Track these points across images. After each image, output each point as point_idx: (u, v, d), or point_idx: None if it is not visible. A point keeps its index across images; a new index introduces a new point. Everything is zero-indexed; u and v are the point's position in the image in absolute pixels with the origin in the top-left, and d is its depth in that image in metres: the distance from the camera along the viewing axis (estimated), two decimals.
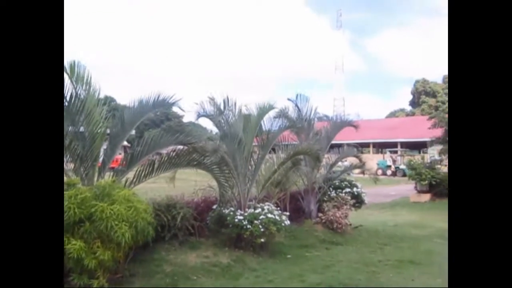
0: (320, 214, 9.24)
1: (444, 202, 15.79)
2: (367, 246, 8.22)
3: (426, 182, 16.47)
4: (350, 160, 10.72)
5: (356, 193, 9.98)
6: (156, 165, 6.37)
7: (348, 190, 9.91)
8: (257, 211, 7.06)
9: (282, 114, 8.94)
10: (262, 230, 6.85)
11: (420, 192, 16.84)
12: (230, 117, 7.79)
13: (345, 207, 9.19)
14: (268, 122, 8.33)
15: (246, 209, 7.21)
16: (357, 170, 11.10)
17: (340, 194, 9.66)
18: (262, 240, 6.99)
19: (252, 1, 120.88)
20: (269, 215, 7.01)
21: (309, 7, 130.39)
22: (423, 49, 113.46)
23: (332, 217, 8.90)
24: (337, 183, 10.00)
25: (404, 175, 24.65)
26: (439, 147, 20.56)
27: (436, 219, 11.73)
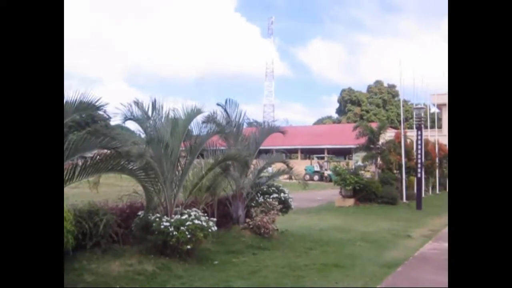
0: (247, 220, 9.27)
1: (367, 207, 16.44)
2: (293, 250, 8.34)
3: (350, 187, 17.05)
4: (278, 166, 10.86)
5: (283, 198, 10.11)
6: (78, 170, 6.08)
7: (275, 195, 10.02)
8: (183, 217, 6.94)
9: (211, 119, 8.89)
10: (188, 236, 6.74)
11: (344, 197, 17.40)
12: (157, 121, 7.62)
13: (272, 212, 9.28)
14: (196, 127, 8.26)
15: (173, 215, 7.06)
16: (285, 176, 11.25)
17: (268, 199, 9.74)
18: (189, 246, 6.88)
19: (181, 3, 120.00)
20: (196, 221, 6.91)
21: (239, 12, 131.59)
22: (349, 60, 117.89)
23: (259, 223, 8.95)
24: (265, 189, 10.08)
25: (330, 180, 25.33)
26: (363, 153, 21.40)
27: (359, 223, 12.17)
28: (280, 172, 10.54)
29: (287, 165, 10.63)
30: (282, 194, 10.15)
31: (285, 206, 10.15)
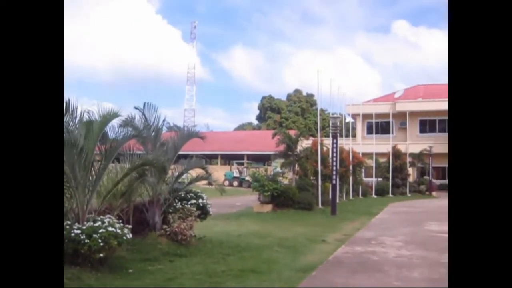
0: (164, 226, 9.06)
1: (285, 212, 16.75)
2: (211, 257, 8.28)
3: (269, 193, 17.30)
4: (197, 171, 10.75)
5: (201, 204, 10.03)
6: None
7: (194, 201, 9.91)
8: (96, 224, 6.64)
9: (128, 122, 8.62)
10: (101, 244, 6.45)
11: (263, 203, 17.61)
12: (70, 123, 7.24)
13: (190, 218, 9.16)
14: (112, 131, 7.96)
15: (85, 222, 6.74)
16: (204, 181, 11.17)
17: (186, 205, 9.61)
18: (102, 255, 6.58)
19: (100, 2, 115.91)
20: (110, 228, 6.63)
21: (161, 14, 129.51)
22: (270, 68, 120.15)
23: (176, 229, 8.79)
24: (182, 195, 9.94)
25: (249, 186, 25.54)
26: (282, 160, 21.85)
27: (277, 229, 12.37)
28: (198, 178, 10.45)
29: (206, 171, 10.57)
30: (200, 200, 10.06)
31: (203, 212, 10.07)
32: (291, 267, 7.62)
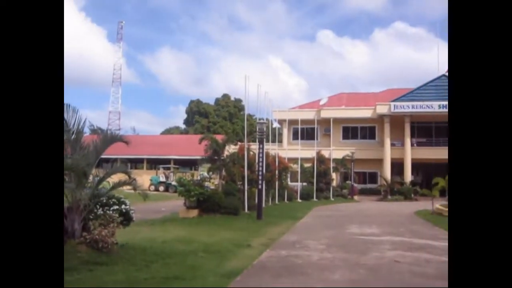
0: (84, 233, 8.68)
1: (211, 217, 16.67)
2: (134, 264, 8.04)
3: (195, 198, 17.14)
4: (120, 176, 10.42)
5: (124, 210, 9.72)
6: None
7: (116, 207, 9.60)
8: None
9: None
10: None
11: (189, 208, 17.42)
12: None
13: (112, 225, 8.84)
14: None
15: None
16: (128, 186, 10.84)
17: (108, 211, 9.28)
18: None
19: None
20: None
21: (84, 12, 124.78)
22: (198, 72, 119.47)
23: (97, 236, 8.45)
24: (104, 200, 9.59)
25: (176, 191, 25.19)
26: (208, 165, 21.76)
27: (202, 234, 12.27)
28: (121, 183, 10.12)
29: (129, 176, 10.27)
30: (123, 206, 9.76)
31: (126, 218, 9.76)
32: (216, 273, 7.58)
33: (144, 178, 34.51)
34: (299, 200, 30.96)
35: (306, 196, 32.22)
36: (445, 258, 9.08)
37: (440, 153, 40.01)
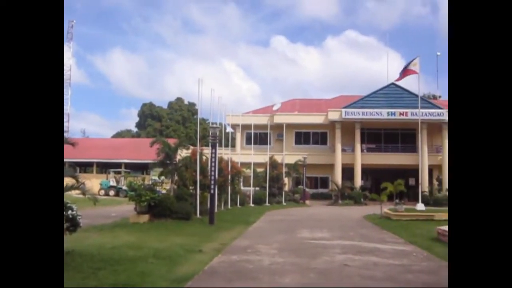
0: None
1: (162, 223, 16.43)
2: (80, 272, 7.79)
3: (146, 203, 16.85)
4: (68, 181, 10.09)
5: (71, 216, 9.40)
6: None
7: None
8: None
9: None
10: None
11: (139, 213, 17.09)
12: None
13: None
14: None
15: None
16: (77, 191, 10.50)
17: None
18: None
19: None
20: None
21: None
22: (151, 74, 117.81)
23: None
24: None
25: (126, 195, 24.70)
26: (160, 169, 21.46)
27: (153, 239, 12.06)
28: (68, 188, 9.80)
29: (77, 180, 9.96)
30: (69, 211, 9.43)
31: (72, 224, 9.44)
32: (166, 279, 7.47)
33: (93, 182, 33.58)
34: (251, 204, 31.04)
35: (258, 200, 32.34)
36: (393, 261, 9.36)
37: (389, 159, 41.35)
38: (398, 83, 40.52)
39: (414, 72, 29.75)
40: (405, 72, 30.09)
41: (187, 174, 20.48)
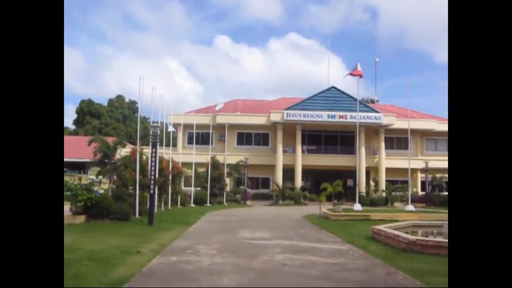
0: None
1: (99, 223, 15.96)
2: None
3: (82, 203, 16.31)
4: None
5: None
6: None
7: None
8: None
9: None
10: None
11: (75, 213, 16.53)
12: None
13: None
14: None
15: None
16: None
17: None
18: None
19: None
20: None
21: None
22: (89, 70, 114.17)
23: None
24: None
25: None
26: (98, 168, 20.84)
27: (89, 241, 11.68)
28: None
29: None
30: None
31: None
32: (101, 282, 7.26)
33: None
34: (192, 205, 30.82)
35: (199, 201, 32.17)
36: (330, 260, 9.59)
37: (328, 160, 42.40)
38: (338, 87, 41.77)
39: (359, 73, 31.19)
40: (353, 72, 31.57)
41: (127, 174, 20.03)
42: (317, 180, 39.98)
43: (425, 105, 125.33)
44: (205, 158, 35.57)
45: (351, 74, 32.39)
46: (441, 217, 20.62)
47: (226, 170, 37.10)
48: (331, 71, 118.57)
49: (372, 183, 42.78)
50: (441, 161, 41.71)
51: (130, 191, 20.16)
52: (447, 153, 41.71)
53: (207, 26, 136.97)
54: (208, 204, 32.28)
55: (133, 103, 71.42)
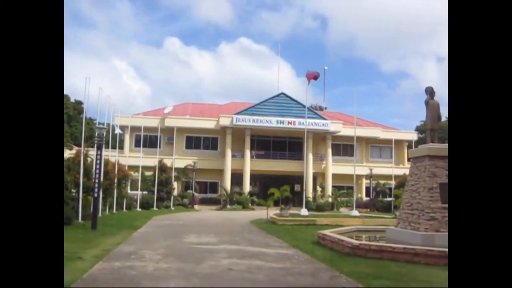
0: None
1: None
2: None
3: None
4: None
5: None
6: None
7: None
8: None
9: None
10: None
11: None
12: None
13: None
14: None
15: None
16: None
17: None
18: None
19: None
20: None
21: None
22: None
23: None
24: None
25: None
26: None
27: None
28: None
29: None
30: None
31: None
32: None
33: None
34: (138, 209, 30.23)
35: (146, 205, 31.61)
36: (276, 265, 9.66)
37: (276, 166, 42.82)
38: (288, 93, 42.33)
39: (315, 75, 31.98)
40: (311, 75, 32.16)
41: (70, 177, 19.36)
42: (265, 185, 40.26)
43: (371, 113, 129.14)
44: (153, 161, 35.00)
45: (309, 76, 32.82)
46: (383, 222, 21.30)
47: (174, 173, 36.65)
48: (281, 77, 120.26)
49: (318, 189, 43.55)
50: (385, 168, 43.13)
51: (73, 194, 19.49)
52: (391, 160, 43.19)
53: (156, 27, 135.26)
54: (155, 208, 31.75)
55: (78, 103, 69.25)
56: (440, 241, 11.65)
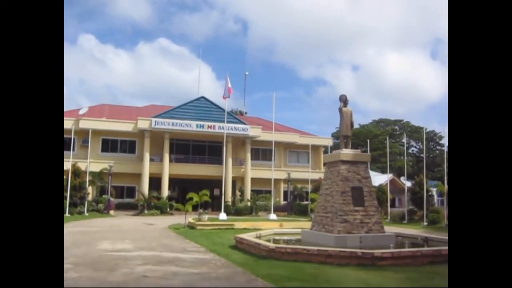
0: None
1: None
2: None
3: None
4: None
5: None
6: None
7: None
8: None
9: None
10: None
11: None
12: None
13: None
14: None
15: None
16: None
17: None
18: None
19: None
20: None
21: None
22: None
23: None
24: None
25: None
26: None
27: None
28: None
29: None
30: None
31: None
32: None
33: None
34: None
35: None
36: (192, 270, 9.57)
37: (196, 170, 42.54)
38: (208, 97, 42.29)
39: (230, 91, 31.93)
40: (227, 92, 32.05)
41: None
42: (184, 189, 39.83)
43: (289, 119, 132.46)
44: (66, 165, 33.35)
45: (224, 97, 32.77)
46: (300, 225, 21.88)
47: (88, 178, 35.18)
48: (201, 80, 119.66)
49: (238, 193, 43.82)
50: (302, 172, 44.37)
51: None
52: (308, 164, 44.52)
53: (71, 23, 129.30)
54: (67, 214, 30.25)
55: None
56: (352, 243, 12.18)
